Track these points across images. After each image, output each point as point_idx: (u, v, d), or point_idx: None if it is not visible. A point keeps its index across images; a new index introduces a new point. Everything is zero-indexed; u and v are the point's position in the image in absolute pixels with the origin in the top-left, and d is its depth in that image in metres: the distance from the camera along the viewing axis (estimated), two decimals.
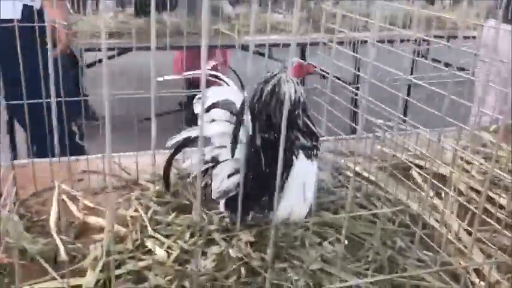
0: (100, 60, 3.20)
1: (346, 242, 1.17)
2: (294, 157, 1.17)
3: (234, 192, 1.07)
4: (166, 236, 1.13)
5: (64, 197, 1.28)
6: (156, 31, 0.60)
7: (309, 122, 1.23)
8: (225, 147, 1.06)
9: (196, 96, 1.11)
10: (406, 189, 1.35)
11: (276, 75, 1.18)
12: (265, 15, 3.03)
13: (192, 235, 1.13)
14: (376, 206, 1.34)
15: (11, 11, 1.81)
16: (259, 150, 1.12)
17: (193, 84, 1.56)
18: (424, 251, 1.13)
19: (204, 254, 1.07)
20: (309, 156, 1.19)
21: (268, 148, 1.13)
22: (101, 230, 1.16)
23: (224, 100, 1.11)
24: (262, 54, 1.43)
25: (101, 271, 1.00)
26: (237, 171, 1.07)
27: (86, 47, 3.10)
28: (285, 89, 1.17)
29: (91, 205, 1.25)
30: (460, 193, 1.37)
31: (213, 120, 1.09)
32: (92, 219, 1.19)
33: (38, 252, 1.04)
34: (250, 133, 1.09)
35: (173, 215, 1.20)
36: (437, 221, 1.24)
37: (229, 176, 1.07)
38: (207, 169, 1.10)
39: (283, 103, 1.16)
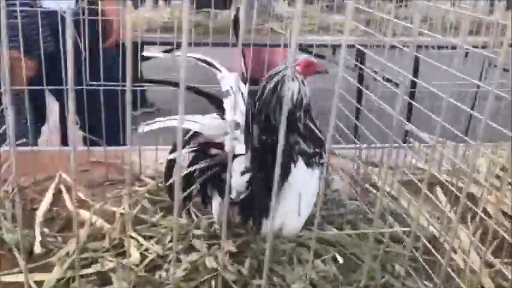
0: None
1: (341, 261, 1.06)
2: (292, 164, 1.07)
3: (246, 193, 1.00)
4: (148, 237, 1.08)
5: (62, 187, 1.27)
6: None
7: (312, 126, 1.13)
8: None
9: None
10: (428, 207, 1.22)
11: (280, 71, 1.08)
12: (322, 16, 2.92)
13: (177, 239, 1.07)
14: (390, 224, 1.21)
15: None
16: (255, 154, 1.03)
17: None
18: (425, 282, 1.00)
19: (179, 261, 1.00)
20: (309, 164, 1.08)
21: (265, 152, 1.05)
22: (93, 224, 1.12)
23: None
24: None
25: (68, 268, 0.96)
26: (247, 170, 0.99)
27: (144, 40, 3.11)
28: (288, 87, 1.08)
29: (83, 198, 1.21)
30: (489, 217, 1.21)
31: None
32: (81, 213, 1.15)
33: (14, 243, 1.02)
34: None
35: (159, 215, 1.14)
36: (453, 248, 1.10)
37: (242, 174, 0.99)
38: (207, 168, 1.02)
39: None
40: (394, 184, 1.35)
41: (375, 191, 1.34)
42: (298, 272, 1.00)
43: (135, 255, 1.01)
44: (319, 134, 1.14)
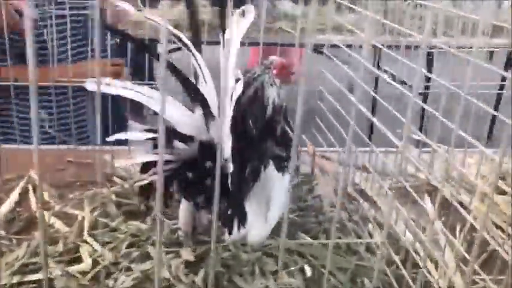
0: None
1: (309, 273, 0.98)
2: (261, 167, 1.00)
3: None
4: (106, 243, 1.02)
5: (30, 187, 1.22)
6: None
7: (288, 130, 1.05)
8: None
9: None
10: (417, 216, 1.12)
11: (258, 76, 1.01)
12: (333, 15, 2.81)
13: (131, 245, 1.01)
14: (370, 234, 1.12)
15: None
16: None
17: None
18: None
19: (130, 270, 0.94)
20: (280, 168, 1.01)
21: (234, 155, 0.98)
22: (50, 226, 1.08)
23: None
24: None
25: (14, 273, 0.92)
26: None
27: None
28: (268, 93, 1.01)
29: (46, 199, 1.17)
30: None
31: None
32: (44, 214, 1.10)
33: None
34: None
35: (120, 219, 1.08)
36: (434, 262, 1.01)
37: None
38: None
39: (265, 109, 1.01)
40: (381, 191, 1.26)
41: (360, 198, 1.25)
42: (257, 285, 0.93)
43: (87, 261, 0.96)
44: (292, 137, 1.07)
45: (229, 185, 0.92)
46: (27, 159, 1.27)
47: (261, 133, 1.01)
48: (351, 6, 1.09)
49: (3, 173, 1.26)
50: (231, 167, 0.91)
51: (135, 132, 0.86)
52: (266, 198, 1.00)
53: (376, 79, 2.16)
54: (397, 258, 0.94)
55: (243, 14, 0.99)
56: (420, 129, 1.31)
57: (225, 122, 0.92)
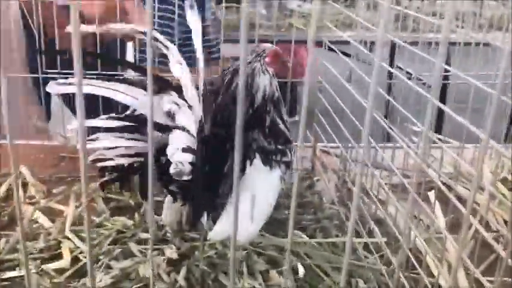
0: None
1: (302, 272, 0.92)
2: (247, 161, 0.94)
3: (187, 177, 0.83)
4: (93, 238, 0.98)
5: (19, 183, 1.18)
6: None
7: (279, 121, 1.00)
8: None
9: None
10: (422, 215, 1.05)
11: (249, 64, 0.96)
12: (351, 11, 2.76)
13: (115, 242, 0.97)
14: (371, 233, 1.05)
15: None
16: (204, 147, 0.91)
17: None
18: None
19: (109, 267, 0.89)
20: (267, 162, 0.95)
21: (216, 146, 0.93)
22: (32, 221, 1.04)
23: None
24: (347, 54, 1.22)
25: None
26: (191, 150, 0.84)
27: None
28: (258, 81, 0.95)
29: (33, 194, 1.13)
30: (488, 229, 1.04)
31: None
32: (28, 210, 1.07)
33: None
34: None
35: (105, 215, 1.04)
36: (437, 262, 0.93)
37: (184, 150, 0.83)
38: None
39: (254, 98, 0.95)
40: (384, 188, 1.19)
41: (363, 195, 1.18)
42: (245, 285, 0.87)
43: (66, 258, 0.91)
44: (286, 130, 1.01)
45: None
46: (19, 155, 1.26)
47: (247, 123, 0.95)
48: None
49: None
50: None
51: (102, 120, 0.81)
52: (252, 194, 0.93)
53: (390, 76, 2.08)
54: (394, 260, 0.86)
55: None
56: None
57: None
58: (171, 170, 0.81)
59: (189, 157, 0.83)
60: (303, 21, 2.97)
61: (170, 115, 0.85)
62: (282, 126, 0.99)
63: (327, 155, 1.36)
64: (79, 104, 0.40)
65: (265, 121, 0.97)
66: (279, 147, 0.97)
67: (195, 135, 0.84)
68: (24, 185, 1.18)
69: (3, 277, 0.87)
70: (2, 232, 1.00)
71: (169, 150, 0.82)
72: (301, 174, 1.32)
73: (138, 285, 0.85)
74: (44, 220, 1.03)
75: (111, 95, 0.81)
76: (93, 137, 0.80)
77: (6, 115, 0.45)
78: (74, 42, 0.37)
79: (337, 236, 1.03)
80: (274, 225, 1.07)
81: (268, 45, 1.00)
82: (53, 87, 0.78)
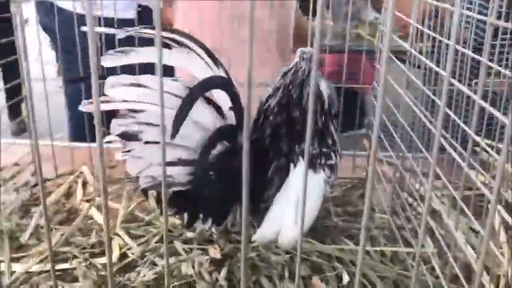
0: None
1: (346, 280, 0.90)
2: (290, 165, 0.94)
3: (183, 187, 0.86)
4: (140, 236, 1.01)
5: (80, 182, 1.25)
6: None
7: (332, 123, 0.99)
8: (153, 125, 0.82)
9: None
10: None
11: (309, 72, 0.95)
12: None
13: (162, 240, 0.99)
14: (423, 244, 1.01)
15: (126, 11, 1.83)
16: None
17: None
18: None
19: (154, 264, 0.91)
20: (311, 166, 0.94)
21: (261, 152, 0.94)
22: (87, 218, 1.09)
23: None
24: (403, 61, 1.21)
25: (42, 261, 0.92)
26: (184, 162, 0.85)
27: None
28: (322, 87, 0.96)
29: (90, 194, 1.18)
30: None
31: (138, 86, 0.82)
32: (84, 207, 1.12)
33: (6, 230, 1.01)
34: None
35: (155, 214, 1.06)
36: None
37: (169, 164, 0.84)
38: None
39: (323, 105, 0.95)
40: (442, 199, 1.14)
41: (418, 205, 1.13)
42: None
43: (115, 254, 0.94)
44: (333, 132, 1.00)
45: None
46: (80, 155, 1.33)
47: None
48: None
49: (58, 168, 1.29)
50: None
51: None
52: (296, 198, 0.92)
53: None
54: (438, 270, 0.82)
55: None
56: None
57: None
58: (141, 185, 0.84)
59: (183, 170, 0.85)
60: (368, 31, 2.93)
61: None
62: (332, 128, 0.98)
63: (381, 164, 1.32)
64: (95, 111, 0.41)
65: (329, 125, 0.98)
66: (324, 150, 0.96)
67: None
68: (84, 184, 1.24)
69: (56, 268, 0.91)
70: (59, 226, 1.05)
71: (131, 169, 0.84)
72: (354, 183, 1.30)
73: (180, 282, 0.86)
74: (97, 217, 1.07)
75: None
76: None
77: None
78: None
79: (385, 245, 0.99)
80: (321, 231, 1.05)
81: (308, 48, 0.99)
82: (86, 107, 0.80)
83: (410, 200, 1.14)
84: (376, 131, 0.45)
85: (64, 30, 1.39)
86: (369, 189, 0.45)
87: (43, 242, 0.99)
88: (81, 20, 1.38)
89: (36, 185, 1.23)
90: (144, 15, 1.80)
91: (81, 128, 1.25)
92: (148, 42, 0.83)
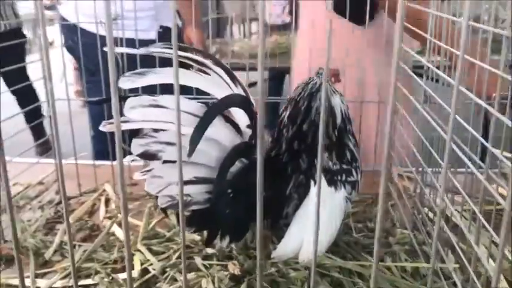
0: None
1: None
2: (311, 181, 0.94)
3: (201, 206, 0.87)
4: (161, 252, 1.02)
5: (102, 199, 1.27)
6: None
7: (348, 140, 0.99)
8: (172, 144, 0.83)
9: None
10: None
11: (319, 86, 0.96)
12: None
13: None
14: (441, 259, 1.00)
15: (148, 32, 1.87)
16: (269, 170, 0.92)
17: None
18: None
19: (175, 279, 0.92)
20: (332, 183, 0.94)
21: (281, 168, 0.94)
22: (109, 234, 1.10)
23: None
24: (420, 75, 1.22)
25: (65, 277, 0.94)
26: (202, 180, 0.87)
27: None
28: (334, 102, 0.96)
29: (112, 211, 1.20)
30: None
31: (157, 107, 0.83)
32: (106, 224, 1.14)
33: (31, 247, 1.04)
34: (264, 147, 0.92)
35: (175, 230, 1.07)
36: None
37: (184, 183, 0.86)
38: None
39: (335, 120, 0.96)
40: (463, 213, 1.12)
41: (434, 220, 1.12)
42: None
43: (136, 269, 0.96)
44: (353, 149, 1.00)
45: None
46: (103, 173, 1.35)
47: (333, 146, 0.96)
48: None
49: (82, 186, 1.32)
50: None
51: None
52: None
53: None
54: (460, 285, 0.81)
55: None
56: None
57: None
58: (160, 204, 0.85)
59: (199, 189, 0.87)
60: None
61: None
62: (350, 144, 0.98)
63: (402, 179, 1.31)
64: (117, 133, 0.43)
65: (343, 141, 0.98)
66: (344, 167, 0.96)
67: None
68: (107, 201, 1.27)
69: (79, 283, 0.92)
70: (81, 243, 1.07)
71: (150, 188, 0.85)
72: (375, 198, 1.30)
73: None
74: (119, 233, 1.09)
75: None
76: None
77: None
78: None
79: (406, 260, 0.99)
80: (342, 247, 1.05)
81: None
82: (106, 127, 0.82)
83: (431, 214, 1.13)
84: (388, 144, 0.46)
85: (87, 52, 1.43)
86: (381, 201, 0.46)
87: (66, 258, 1.01)
88: (105, 41, 1.43)
89: (60, 202, 1.26)
90: (166, 36, 1.83)
91: (105, 147, 1.28)
92: (169, 62, 0.85)
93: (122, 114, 0.84)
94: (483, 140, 0.79)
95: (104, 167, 1.39)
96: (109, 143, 1.28)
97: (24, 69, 1.81)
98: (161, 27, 1.99)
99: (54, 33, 1.73)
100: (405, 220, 1.13)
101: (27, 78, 2.85)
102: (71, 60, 2.48)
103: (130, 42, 1.32)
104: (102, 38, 1.37)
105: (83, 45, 1.41)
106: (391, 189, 1.28)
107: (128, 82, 0.83)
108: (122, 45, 1.43)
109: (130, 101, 0.84)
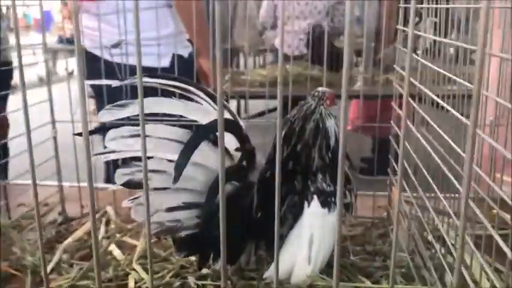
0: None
1: None
2: (305, 203, 0.95)
3: (191, 230, 0.90)
4: (156, 272, 1.02)
5: (103, 220, 1.29)
6: None
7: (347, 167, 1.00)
8: (156, 171, 0.86)
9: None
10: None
11: (315, 109, 0.98)
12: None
13: (177, 275, 1.00)
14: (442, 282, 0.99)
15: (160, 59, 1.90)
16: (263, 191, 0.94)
17: None
18: None
19: None
20: (325, 204, 0.95)
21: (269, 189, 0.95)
22: (107, 253, 1.11)
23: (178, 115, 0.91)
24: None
25: None
26: (191, 205, 0.89)
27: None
28: (328, 124, 0.97)
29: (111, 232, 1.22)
30: None
31: (137, 136, 0.85)
32: (104, 244, 1.15)
33: (29, 265, 1.05)
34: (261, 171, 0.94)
35: (171, 250, 1.08)
36: None
37: (172, 209, 0.88)
38: None
39: (329, 142, 0.97)
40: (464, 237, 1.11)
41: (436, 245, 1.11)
42: None
43: (130, 287, 0.96)
44: (347, 171, 1.00)
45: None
46: (106, 196, 1.37)
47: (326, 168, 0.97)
48: None
49: (84, 208, 1.34)
50: None
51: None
52: (309, 236, 0.93)
53: None
54: None
55: None
56: None
57: None
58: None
59: (190, 213, 0.89)
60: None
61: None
62: (347, 170, 0.99)
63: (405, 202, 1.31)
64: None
65: (328, 163, 0.98)
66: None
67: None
68: (107, 222, 1.28)
69: None
70: (79, 262, 1.08)
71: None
72: (375, 222, 1.29)
73: None
74: (116, 252, 1.10)
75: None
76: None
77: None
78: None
79: (401, 282, 0.98)
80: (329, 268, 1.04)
81: (325, 88, 1.01)
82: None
83: (429, 238, 1.12)
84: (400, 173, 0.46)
85: (94, 75, 1.47)
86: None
87: (63, 275, 1.02)
88: (108, 66, 1.46)
89: (62, 223, 1.28)
90: (179, 65, 1.86)
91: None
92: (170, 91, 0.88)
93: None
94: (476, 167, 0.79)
95: (106, 191, 1.41)
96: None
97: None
98: (174, 55, 2.03)
99: (74, 64, 1.78)
100: (402, 244, 1.12)
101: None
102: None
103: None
104: (106, 63, 1.41)
105: (95, 70, 1.44)
106: (391, 213, 1.28)
107: (108, 115, 0.85)
108: (126, 73, 1.46)
109: (110, 133, 0.86)
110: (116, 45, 1.37)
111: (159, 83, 0.88)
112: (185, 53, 2.02)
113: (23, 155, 1.13)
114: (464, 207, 0.73)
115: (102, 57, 1.38)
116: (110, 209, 1.33)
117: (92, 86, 1.76)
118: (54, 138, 1.27)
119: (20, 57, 0.67)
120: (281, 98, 0.48)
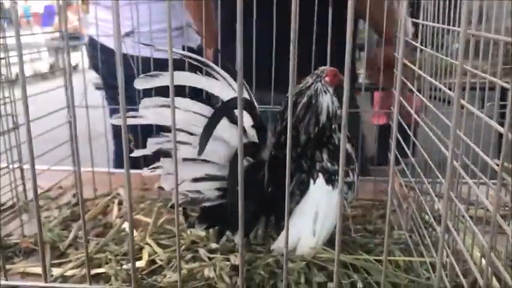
0: None
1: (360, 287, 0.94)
2: (311, 180, 1.01)
3: (212, 202, 0.95)
4: (168, 246, 1.08)
5: (116, 201, 1.35)
6: None
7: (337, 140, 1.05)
8: (184, 143, 0.92)
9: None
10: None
11: (311, 85, 1.03)
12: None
13: (187, 249, 1.06)
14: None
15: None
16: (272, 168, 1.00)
17: None
18: None
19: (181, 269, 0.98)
20: (330, 182, 1.00)
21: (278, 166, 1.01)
22: (121, 231, 1.17)
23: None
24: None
25: (79, 266, 1.01)
26: (212, 178, 0.94)
27: None
28: (321, 100, 1.02)
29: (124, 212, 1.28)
30: None
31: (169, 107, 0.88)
32: (119, 222, 1.21)
33: (48, 240, 1.11)
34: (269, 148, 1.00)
35: (182, 227, 1.14)
36: None
37: (196, 180, 0.94)
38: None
39: (319, 117, 1.02)
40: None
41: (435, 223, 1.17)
42: None
43: (144, 260, 1.02)
44: (350, 150, 1.06)
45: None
46: (118, 180, 1.43)
47: (313, 142, 1.02)
48: None
49: (97, 190, 1.41)
50: None
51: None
52: (315, 211, 0.98)
53: None
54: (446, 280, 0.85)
55: None
56: None
57: None
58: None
59: (208, 186, 0.94)
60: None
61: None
62: (348, 146, 1.04)
63: (402, 188, 1.36)
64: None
65: (331, 140, 1.04)
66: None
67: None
68: (120, 203, 1.34)
69: (92, 272, 0.99)
70: (95, 238, 1.14)
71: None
72: (375, 204, 1.35)
73: (202, 283, 0.93)
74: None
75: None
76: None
77: None
78: None
79: (399, 256, 1.03)
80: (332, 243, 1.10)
81: (326, 66, 1.06)
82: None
83: (426, 218, 1.18)
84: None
85: (108, 67, 1.53)
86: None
87: (80, 250, 1.08)
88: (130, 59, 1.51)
89: (76, 204, 1.34)
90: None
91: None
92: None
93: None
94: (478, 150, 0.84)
95: (118, 175, 1.46)
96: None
97: None
98: (183, 47, 2.09)
99: (78, 58, 1.84)
100: (402, 223, 1.17)
101: None
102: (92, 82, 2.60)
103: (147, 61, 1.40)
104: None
105: (108, 62, 1.49)
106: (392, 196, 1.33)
107: (141, 83, 0.92)
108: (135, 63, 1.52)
109: (144, 101, 0.93)
110: (129, 34, 1.42)
111: (189, 57, 0.94)
112: (194, 45, 2.08)
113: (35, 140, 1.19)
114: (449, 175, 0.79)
115: (114, 49, 1.43)
116: (122, 191, 1.39)
117: (103, 77, 1.81)
118: (69, 122, 1.33)
119: (20, 56, 0.72)
120: (294, 68, 0.53)
